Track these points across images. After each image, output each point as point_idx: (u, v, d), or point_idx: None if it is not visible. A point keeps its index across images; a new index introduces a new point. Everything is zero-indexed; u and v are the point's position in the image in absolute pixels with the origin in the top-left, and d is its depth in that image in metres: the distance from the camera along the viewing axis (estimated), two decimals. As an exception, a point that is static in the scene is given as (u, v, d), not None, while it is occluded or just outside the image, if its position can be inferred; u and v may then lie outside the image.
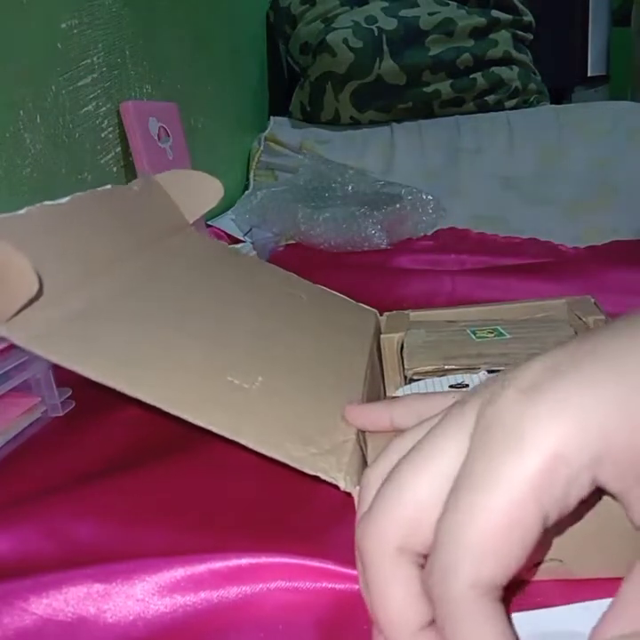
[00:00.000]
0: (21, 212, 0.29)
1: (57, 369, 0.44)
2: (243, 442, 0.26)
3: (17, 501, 0.33)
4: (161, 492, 0.33)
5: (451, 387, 0.36)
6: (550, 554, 0.25)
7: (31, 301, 0.25)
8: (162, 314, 0.33)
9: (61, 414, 0.44)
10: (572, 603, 0.24)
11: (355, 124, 1.28)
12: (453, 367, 0.37)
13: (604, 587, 0.24)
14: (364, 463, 0.27)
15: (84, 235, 0.33)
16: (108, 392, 0.46)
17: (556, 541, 0.24)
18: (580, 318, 0.41)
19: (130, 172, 0.79)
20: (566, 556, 0.25)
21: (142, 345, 0.29)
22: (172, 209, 0.44)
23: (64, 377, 0.46)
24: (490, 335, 0.40)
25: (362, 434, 0.30)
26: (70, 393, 0.45)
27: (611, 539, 0.24)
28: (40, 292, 0.25)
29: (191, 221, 0.45)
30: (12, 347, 0.40)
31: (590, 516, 0.23)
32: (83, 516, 0.31)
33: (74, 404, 0.45)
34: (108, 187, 0.39)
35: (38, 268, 0.25)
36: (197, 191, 0.44)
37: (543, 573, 0.25)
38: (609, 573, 0.25)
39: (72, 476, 0.35)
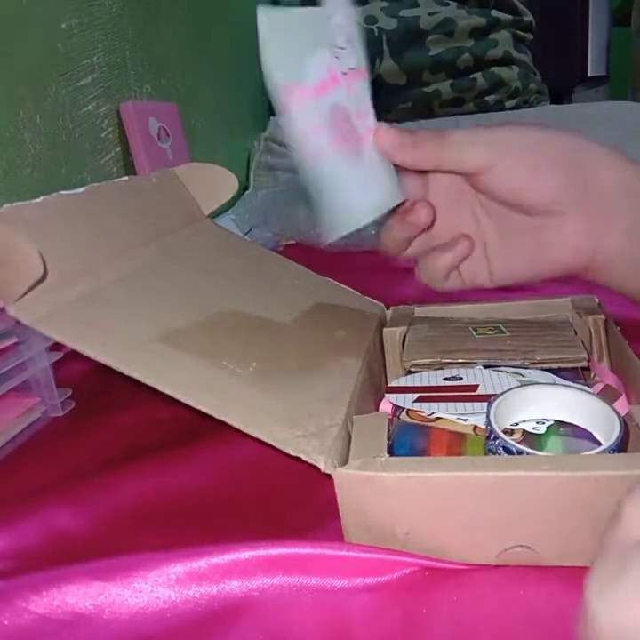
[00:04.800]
0: (37, 200, 0.30)
1: (57, 369, 0.44)
2: (229, 421, 0.27)
3: (16, 500, 0.33)
4: (160, 490, 0.33)
5: (445, 379, 0.36)
6: (518, 540, 0.25)
7: (36, 284, 0.26)
8: (166, 299, 0.34)
9: (61, 414, 0.44)
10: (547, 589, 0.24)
11: (355, 124, 1.28)
12: (450, 361, 0.38)
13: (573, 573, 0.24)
14: (348, 446, 0.28)
15: (98, 224, 0.34)
16: (108, 392, 0.46)
17: (523, 527, 0.25)
18: (582, 317, 0.41)
19: (130, 172, 0.79)
20: (533, 542, 0.25)
21: (143, 328, 0.30)
22: (189, 201, 0.45)
23: (64, 377, 0.46)
24: (490, 332, 0.41)
25: (349, 419, 0.30)
26: (70, 393, 0.45)
27: (577, 525, 0.25)
28: (45, 276, 0.27)
29: (207, 213, 0.46)
30: (12, 347, 0.40)
31: (556, 502, 0.24)
32: (82, 515, 0.31)
33: (74, 404, 0.45)
34: (126, 178, 0.40)
35: (49, 254, 0.27)
36: (213, 184, 0.45)
37: (511, 559, 0.26)
38: (576, 560, 0.25)
39: (72, 476, 0.36)
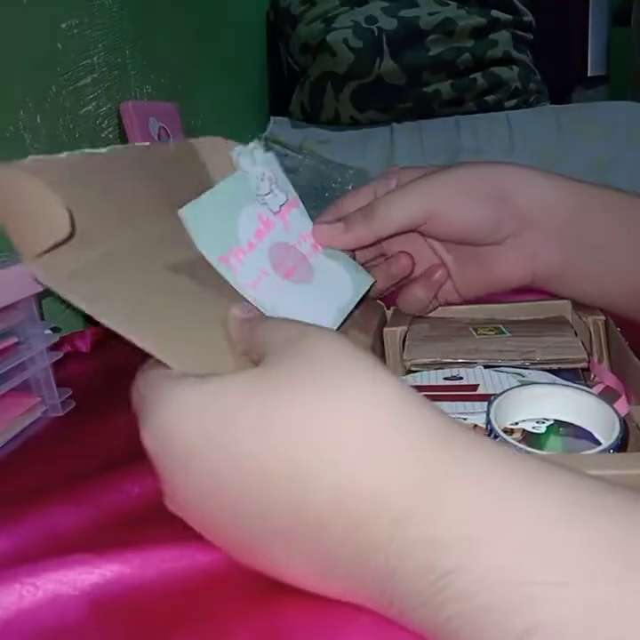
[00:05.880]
0: (62, 155, 0.29)
1: (57, 369, 0.44)
2: None
3: (16, 500, 0.33)
4: (161, 491, 0.33)
5: (445, 379, 0.36)
6: None
7: (61, 243, 0.25)
8: (183, 267, 0.33)
9: (61, 414, 0.44)
10: None
11: (355, 123, 1.28)
12: (450, 360, 0.38)
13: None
14: None
15: (120, 185, 0.33)
16: (108, 392, 0.46)
17: None
18: (582, 318, 0.41)
19: (130, 172, 0.79)
20: None
21: (156, 295, 0.29)
22: (204, 175, 0.44)
23: (64, 377, 0.46)
24: (491, 333, 0.41)
25: None
26: (70, 393, 0.45)
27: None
28: (72, 235, 0.25)
29: None
30: (12, 347, 0.40)
31: None
32: (82, 516, 0.31)
33: (74, 404, 0.45)
34: (147, 143, 0.39)
35: (75, 211, 0.25)
36: (228, 159, 0.45)
37: None
38: None
39: (72, 476, 0.35)
